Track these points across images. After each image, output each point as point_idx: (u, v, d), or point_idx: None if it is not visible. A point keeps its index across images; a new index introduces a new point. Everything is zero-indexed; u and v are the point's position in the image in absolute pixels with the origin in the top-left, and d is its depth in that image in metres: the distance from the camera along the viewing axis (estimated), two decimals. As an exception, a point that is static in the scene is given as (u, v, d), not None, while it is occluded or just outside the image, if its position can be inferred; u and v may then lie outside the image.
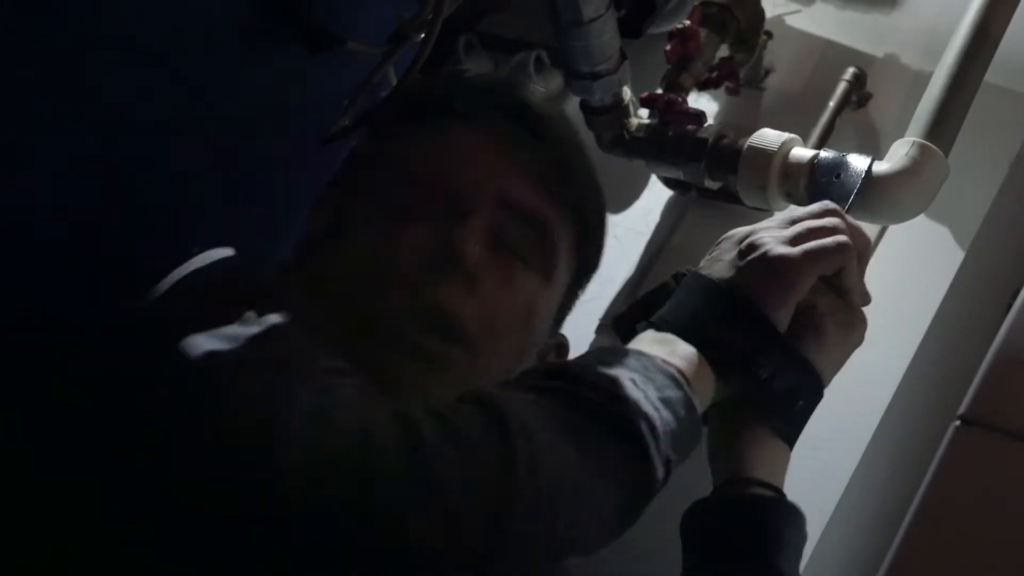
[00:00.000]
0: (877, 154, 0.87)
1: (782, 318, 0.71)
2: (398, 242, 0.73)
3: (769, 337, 0.70)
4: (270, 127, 0.90)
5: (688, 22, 1.08)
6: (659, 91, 1.05)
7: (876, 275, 0.78)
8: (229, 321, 0.60)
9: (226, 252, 0.74)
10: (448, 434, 0.56)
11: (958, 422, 0.73)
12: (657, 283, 0.77)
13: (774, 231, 0.73)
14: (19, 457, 0.62)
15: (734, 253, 0.73)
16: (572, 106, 1.06)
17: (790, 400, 0.72)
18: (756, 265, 0.71)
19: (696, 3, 1.11)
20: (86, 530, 0.58)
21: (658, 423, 0.61)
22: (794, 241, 0.71)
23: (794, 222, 0.74)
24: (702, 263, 0.75)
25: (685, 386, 0.65)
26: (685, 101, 1.03)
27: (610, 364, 0.64)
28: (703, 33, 1.09)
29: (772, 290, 0.70)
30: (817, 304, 0.73)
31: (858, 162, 0.85)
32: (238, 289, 0.67)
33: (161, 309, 0.66)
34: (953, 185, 0.87)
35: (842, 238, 0.72)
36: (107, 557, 0.58)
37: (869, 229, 0.84)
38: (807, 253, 0.70)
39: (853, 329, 0.75)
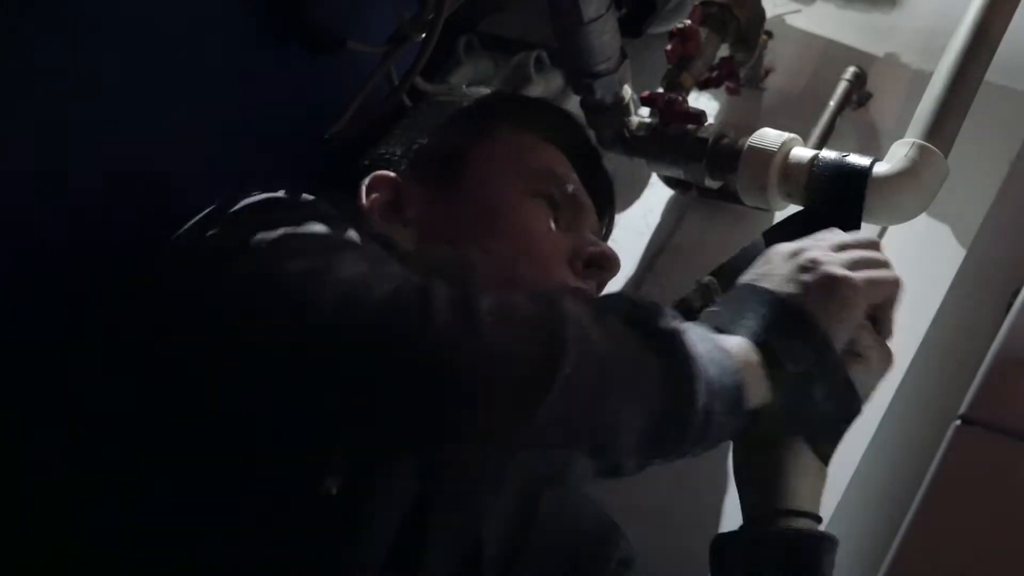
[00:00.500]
0: (877, 154, 0.87)
1: (841, 341, 0.71)
2: (539, 224, 0.83)
3: (830, 357, 0.70)
4: (270, 127, 0.90)
5: (688, 22, 1.08)
6: (659, 90, 1.05)
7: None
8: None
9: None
10: (503, 307, 0.61)
11: (958, 422, 0.73)
12: (655, 283, 0.77)
13: (828, 252, 0.73)
14: (19, 457, 0.62)
15: (791, 267, 0.72)
16: (572, 105, 1.05)
17: (841, 423, 0.72)
18: (822, 283, 0.70)
19: (696, 3, 1.11)
20: (86, 530, 0.59)
21: (705, 361, 0.64)
22: (852, 267, 0.72)
23: (843, 247, 0.74)
24: (749, 276, 0.75)
25: (742, 368, 0.66)
26: (685, 100, 1.03)
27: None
28: (703, 33, 1.09)
29: (838, 311, 0.70)
30: (861, 337, 0.73)
31: (860, 164, 0.85)
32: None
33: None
34: (953, 185, 0.87)
35: (895, 273, 0.73)
36: (107, 557, 0.58)
37: (870, 232, 0.84)
38: (869, 281, 0.71)
39: (888, 362, 0.75)
